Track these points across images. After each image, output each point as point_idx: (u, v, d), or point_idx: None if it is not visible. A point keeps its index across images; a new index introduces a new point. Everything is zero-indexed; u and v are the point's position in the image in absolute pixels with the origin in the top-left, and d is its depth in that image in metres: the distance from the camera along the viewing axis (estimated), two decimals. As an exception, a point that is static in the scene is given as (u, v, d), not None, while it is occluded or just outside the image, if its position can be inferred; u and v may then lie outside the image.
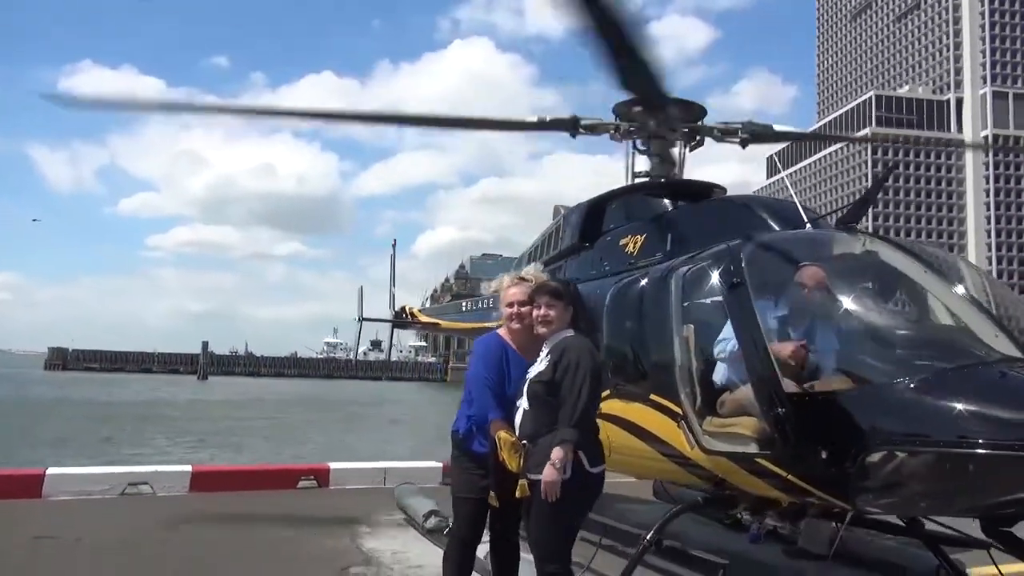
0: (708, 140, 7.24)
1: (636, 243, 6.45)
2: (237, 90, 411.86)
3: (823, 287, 4.67)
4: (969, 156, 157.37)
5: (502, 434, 4.07)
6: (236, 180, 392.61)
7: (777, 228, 5.39)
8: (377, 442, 28.96)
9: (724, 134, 7.02)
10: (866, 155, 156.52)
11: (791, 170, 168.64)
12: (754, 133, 7.00)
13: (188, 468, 9.85)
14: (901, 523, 5.54)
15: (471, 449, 4.42)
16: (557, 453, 3.81)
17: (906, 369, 4.24)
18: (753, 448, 4.61)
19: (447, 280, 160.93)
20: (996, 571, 5.25)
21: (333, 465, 10.43)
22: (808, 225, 5.36)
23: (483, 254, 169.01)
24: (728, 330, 4.86)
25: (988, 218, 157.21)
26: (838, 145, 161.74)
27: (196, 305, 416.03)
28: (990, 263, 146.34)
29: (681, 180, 7.12)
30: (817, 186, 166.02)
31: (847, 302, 4.63)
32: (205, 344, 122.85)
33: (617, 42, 4.59)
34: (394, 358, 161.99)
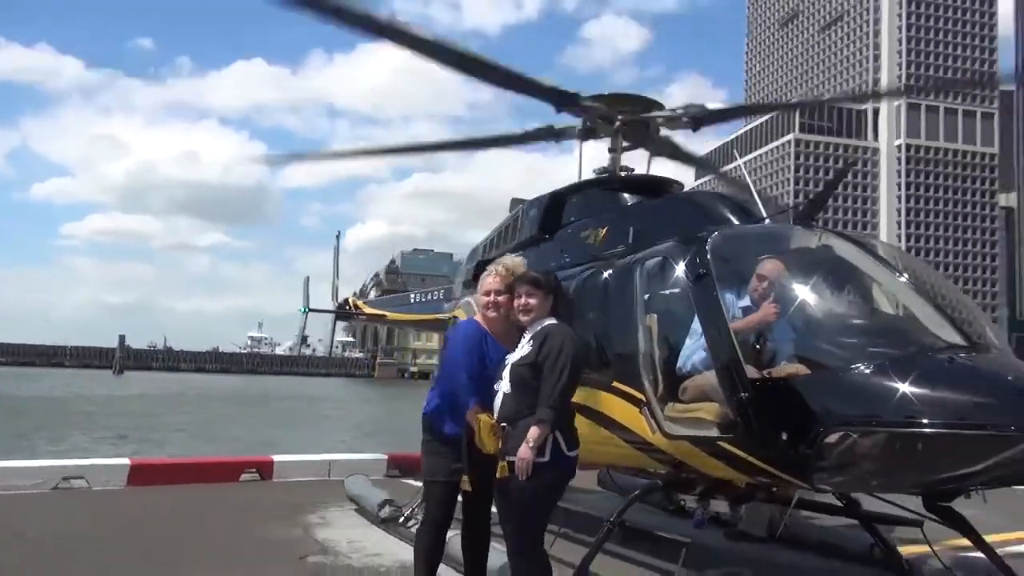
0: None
1: (598, 235, 6.60)
2: (162, 74, 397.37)
3: (783, 279, 4.89)
4: (883, 162, 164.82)
5: (482, 416, 4.12)
6: (157, 167, 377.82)
7: (737, 222, 5.60)
8: (311, 437, 28.45)
9: (669, 120, 7.23)
10: (790, 160, 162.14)
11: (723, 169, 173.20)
12: (695, 116, 7.20)
13: (126, 461, 9.54)
14: (840, 504, 5.85)
15: (442, 432, 4.46)
16: (534, 432, 3.89)
17: (860, 356, 4.48)
18: (715, 432, 4.79)
19: (377, 275, 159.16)
20: (927, 547, 5.59)
21: (277, 458, 10.28)
22: (767, 220, 5.59)
23: (414, 249, 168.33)
24: (693, 319, 5.04)
25: (899, 222, 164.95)
26: (767, 148, 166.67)
27: (113, 297, 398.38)
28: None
29: (639, 175, 7.31)
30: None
31: (805, 293, 4.84)
32: (122, 338, 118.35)
33: None
34: (320, 353, 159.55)
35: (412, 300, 12.38)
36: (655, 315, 5.39)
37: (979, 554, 5.20)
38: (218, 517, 7.62)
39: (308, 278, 17.05)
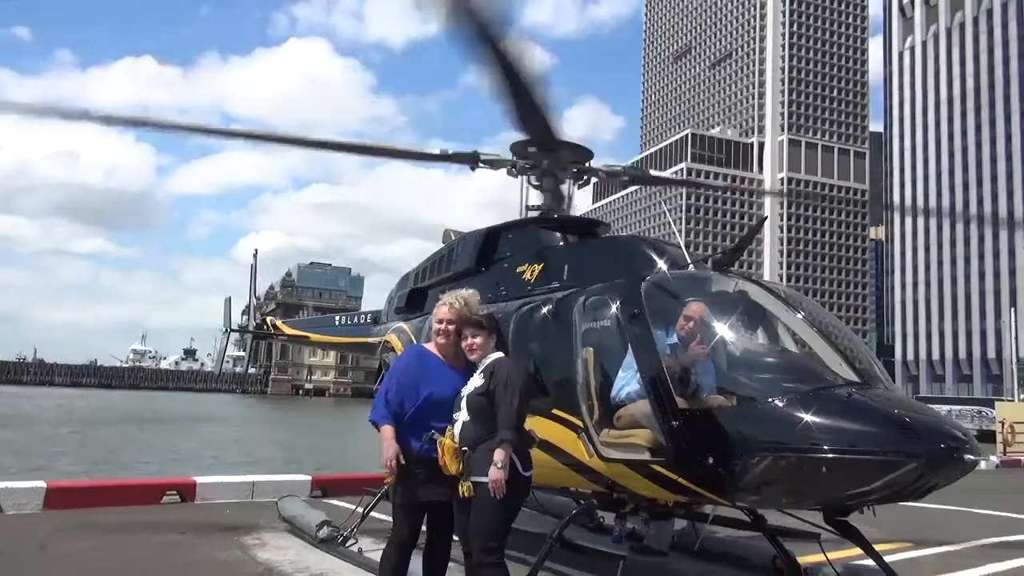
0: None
1: (533, 272, 7.12)
2: (38, 66, 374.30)
3: (706, 320, 5.53)
4: (768, 182, 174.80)
5: (444, 440, 4.56)
6: (32, 167, 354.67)
7: (664, 267, 6.22)
8: (207, 462, 27.58)
9: (609, 175, 7.89)
10: (682, 187, 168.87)
11: (618, 195, 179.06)
12: (634, 176, 7.92)
13: (42, 484, 9.29)
14: (747, 519, 6.55)
15: (409, 448, 4.81)
16: (500, 454, 4.35)
17: (773, 390, 5.14)
18: (646, 455, 5.37)
19: (272, 288, 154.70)
20: (823, 556, 6.37)
21: (199, 479, 10.24)
22: (691, 266, 6.26)
23: (311, 262, 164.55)
24: (627, 353, 5.62)
25: (781, 251, 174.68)
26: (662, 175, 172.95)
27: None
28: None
29: (571, 216, 7.89)
30: (639, 212, 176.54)
31: (725, 333, 5.49)
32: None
33: (516, 89, 5.36)
34: (208, 367, 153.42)
35: (337, 323, 12.54)
36: (592, 348, 5.94)
37: (869, 561, 6.00)
38: (148, 540, 7.61)
39: (229, 298, 16.77)
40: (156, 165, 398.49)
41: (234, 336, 18.43)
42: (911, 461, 4.46)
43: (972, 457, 4.51)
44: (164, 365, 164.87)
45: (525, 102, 5.75)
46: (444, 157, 7.76)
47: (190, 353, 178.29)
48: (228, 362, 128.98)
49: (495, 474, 4.32)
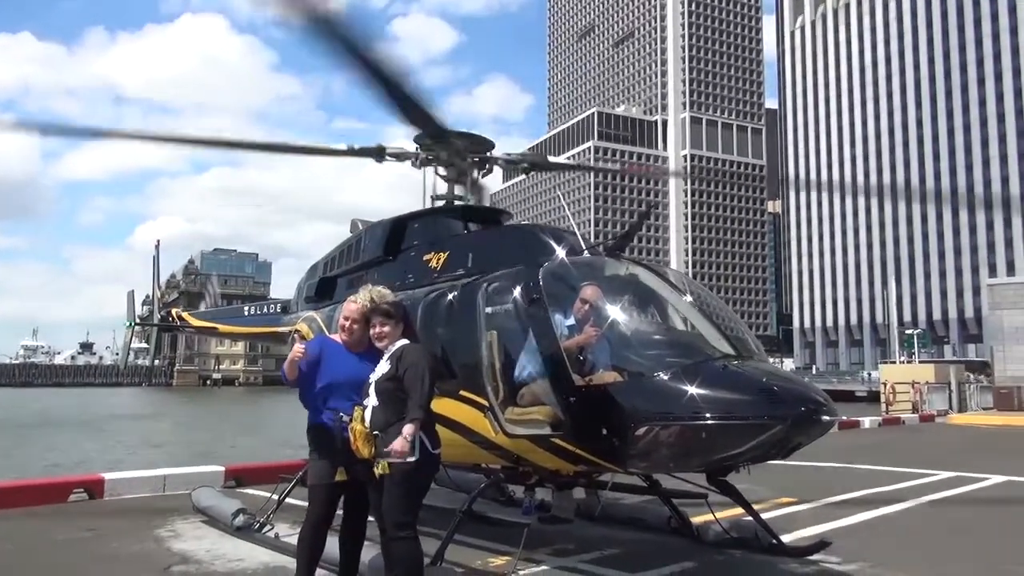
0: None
1: (439, 259, 7.41)
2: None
3: (600, 302, 5.95)
4: (672, 169, 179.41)
5: (355, 426, 4.83)
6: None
7: (562, 254, 6.59)
8: (117, 457, 26.76)
9: (509, 163, 8.23)
10: (590, 164, 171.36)
11: (520, 179, 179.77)
12: (533, 163, 8.27)
13: (-63, 489, 9.01)
14: (643, 484, 7.09)
15: (320, 438, 5.06)
16: (408, 428, 4.65)
17: (660, 365, 5.58)
18: (548, 430, 5.77)
19: (173, 276, 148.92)
20: (711, 515, 7.00)
21: (107, 475, 10.08)
22: (586, 252, 6.66)
23: (215, 248, 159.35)
24: (528, 336, 6.00)
25: (686, 225, 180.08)
26: (570, 153, 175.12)
27: None
28: (687, 265, 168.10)
29: (475, 205, 8.19)
30: (547, 192, 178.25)
31: (617, 314, 5.92)
32: None
33: (387, 89, 5.60)
34: (108, 361, 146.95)
35: (246, 313, 12.47)
36: (495, 332, 6.28)
37: (749, 517, 6.65)
38: (60, 538, 7.52)
39: (133, 291, 16.25)
40: (41, 149, 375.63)
41: (138, 328, 17.95)
42: (777, 423, 5.00)
43: (828, 418, 5.09)
44: (59, 360, 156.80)
45: (400, 100, 5.92)
46: (351, 152, 7.89)
47: (87, 347, 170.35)
48: (130, 354, 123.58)
49: (400, 444, 4.61)
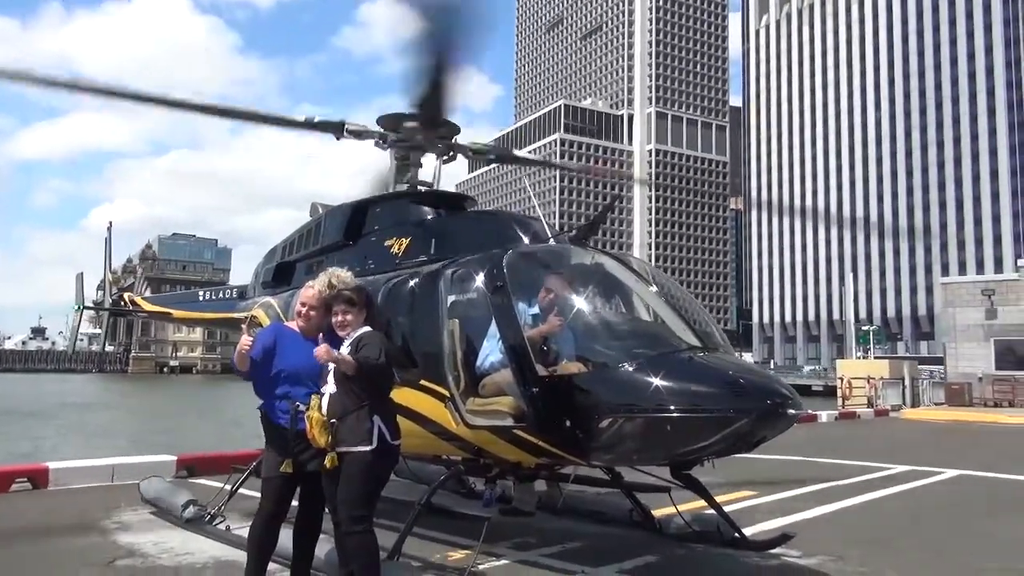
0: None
1: (401, 245, 7.21)
2: None
3: (565, 292, 5.82)
4: (636, 163, 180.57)
5: (312, 413, 4.63)
6: None
7: (527, 241, 6.45)
8: (64, 447, 26.00)
9: (475, 152, 8.06)
10: (555, 158, 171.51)
11: (491, 166, 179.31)
12: (499, 155, 8.12)
13: None
14: (605, 477, 6.99)
15: (275, 421, 4.85)
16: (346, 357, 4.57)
17: (624, 356, 5.46)
18: (510, 422, 5.62)
19: (130, 260, 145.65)
20: (674, 508, 6.93)
21: (52, 465, 9.73)
22: (551, 240, 6.52)
23: (173, 233, 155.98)
24: (491, 324, 5.84)
25: (649, 220, 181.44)
26: (536, 145, 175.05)
27: None
28: (651, 259, 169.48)
29: (438, 190, 8.00)
30: (513, 183, 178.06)
31: (582, 304, 5.80)
32: None
33: (438, 66, 5.57)
34: (60, 347, 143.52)
35: (201, 298, 12.13)
36: (458, 320, 6.12)
37: (712, 511, 6.59)
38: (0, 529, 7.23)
39: (82, 273, 15.65)
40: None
41: (91, 313, 17.40)
42: (743, 417, 4.91)
43: (794, 411, 5.02)
44: (9, 345, 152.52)
45: (437, 79, 5.90)
46: (309, 125, 7.62)
47: (39, 332, 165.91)
48: (83, 340, 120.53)
49: (320, 351, 4.53)
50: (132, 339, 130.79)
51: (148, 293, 20.09)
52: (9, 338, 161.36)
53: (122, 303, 14.28)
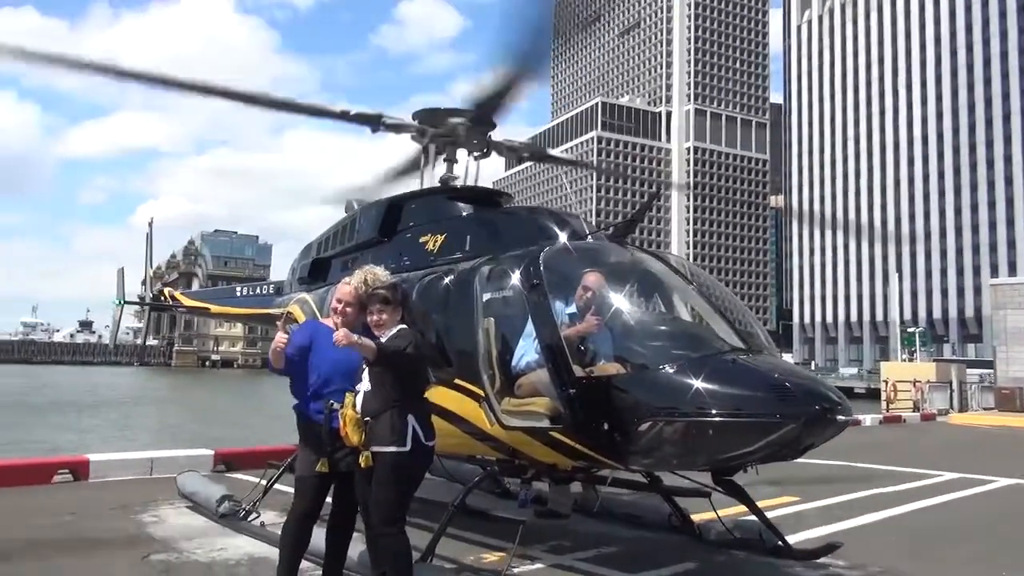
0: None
1: (436, 242, 7.11)
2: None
3: (603, 290, 5.67)
4: (675, 161, 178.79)
5: (346, 411, 4.54)
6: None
7: (564, 238, 6.31)
8: (107, 439, 26.53)
9: (510, 150, 7.94)
10: (592, 156, 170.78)
11: (527, 164, 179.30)
12: (533, 152, 7.99)
13: (-83, 467, 8.77)
14: (644, 481, 6.82)
15: (311, 419, 4.79)
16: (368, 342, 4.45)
17: (665, 357, 5.32)
18: (546, 423, 5.48)
19: (173, 256, 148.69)
20: (714, 514, 6.72)
21: (92, 457, 9.85)
22: (589, 237, 6.37)
23: (215, 230, 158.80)
24: (527, 323, 5.71)
25: (688, 218, 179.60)
26: (573, 143, 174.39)
27: None
28: (689, 258, 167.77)
29: (474, 186, 7.89)
30: (551, 180, 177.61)
31: (621, 303, 5.64)
32: None
33: (518, 72, 5.70)
34: (106, 340, 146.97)
35: (239, 293, 12.21)
36: (493, 319, 6.00)
37: (753, 517, 6.37)
38: (40, 520, 7.30)
39: (123, 268, 15.92)
40: (41, 124, 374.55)
41: (135, 308, 17.69)
42: (790, 422, 4.71)
43: (844, 417, 4.81)
44: (58, 338, 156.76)
45: (506, 85, 6.27)
46: (346, 116, 7.58)
47: (86, 325, 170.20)
48: (128, 334, 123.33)
49: (339, 335, 4.38)
50: (175, 333, 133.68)
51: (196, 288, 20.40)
52: (58, 331, 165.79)
53: (163, 298, 14.47)
